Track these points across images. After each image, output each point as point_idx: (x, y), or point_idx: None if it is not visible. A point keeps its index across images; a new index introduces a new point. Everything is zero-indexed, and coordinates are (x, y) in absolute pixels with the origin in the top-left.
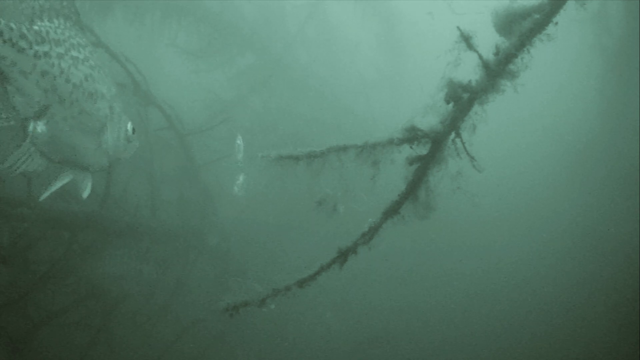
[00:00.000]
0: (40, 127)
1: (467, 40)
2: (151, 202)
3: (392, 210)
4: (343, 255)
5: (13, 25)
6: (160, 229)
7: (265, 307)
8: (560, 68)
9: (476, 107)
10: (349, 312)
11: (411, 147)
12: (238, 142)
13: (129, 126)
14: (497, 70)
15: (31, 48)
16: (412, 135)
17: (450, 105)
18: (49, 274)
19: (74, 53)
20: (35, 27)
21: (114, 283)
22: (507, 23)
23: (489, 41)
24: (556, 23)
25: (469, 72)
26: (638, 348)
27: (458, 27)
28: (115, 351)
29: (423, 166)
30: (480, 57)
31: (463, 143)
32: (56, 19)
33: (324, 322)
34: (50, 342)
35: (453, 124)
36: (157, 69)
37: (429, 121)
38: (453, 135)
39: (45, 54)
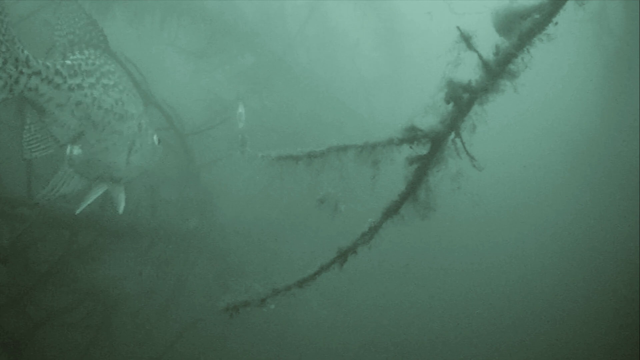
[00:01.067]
0: (76, 150)
1: (467, 40)
2: (151, 202)
3: (392, 210)
4: (343, 255)
5: (49, 64)
6: (160, 228)
7: (265, 307)
8: (561, 68)
9: (476, 107)
10: (347, 311)
11: (411, 147)
12: (240, 110)
13: (155, 138)
14: (497, 70)
15: (65, 82)
16: (412, 135)
17: (450, 105)
18: (49, 274)
19: (104, 81)
20: (68, 62)
21: (114, 283)
22: (507, 23)
23: (489, 41)
24: (556, 23)
25: (469, 72)
26: (638, 348)
27: (458, 27)
28: (115, 351)
29: (423, 166)
30: (480, 57)
31: (463, 143)
32: (86, 50)
33: (320, 319)
34: (50, 342)
35: (453, 124)
36: (157, 69)
37: (429, 121)
38: (453, 135)
39: (78, 85)
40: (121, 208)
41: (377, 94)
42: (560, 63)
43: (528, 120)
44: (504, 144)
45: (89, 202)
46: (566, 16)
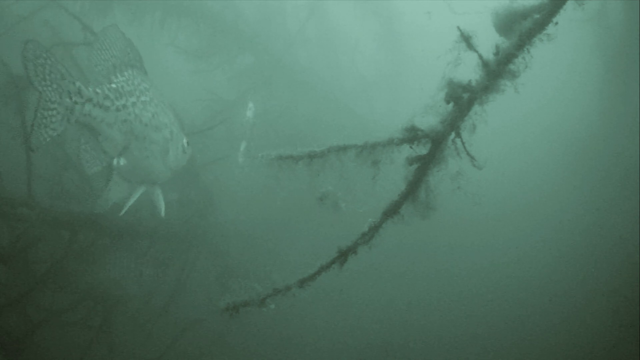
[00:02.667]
0: (122, 161)
1: (467, 40)
2: (151, 202)
3: (392, 210)
4: (343, 255)
5: (98, 90)
6: (160, 228)
7: (265, 307)
8: (561, 68)
9: (476, 107)
10: (348, 313)
11: (411, 147)
12: (249, 114)
13: (184, 141)
14: (497, 70)
15: (113, 104)
16: (412, 135)
17: (450, 105)
18: (49, 274)
19: (143, 98)
20: (113, 85)
21: (114, 283)
22: (507, 23)
23: (489, 41)
24: (556, 23)
25: (469, 72)
26: (638, 348)
27: (458, 27)
28: (115, 351)
29: (423, 166)
30: (480, 57)
31: (463, 143)
32: (126, 71)
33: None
34: (50, 342)
35: (453, 124)
36: (157, 69)
37: (429, 121)
38: (453, 135)
39: (123, 106)
40: (162, 210)
41: (377, 93)
42: (560, 63)
43: (528, 120)
44: (504, 143)
45: (130, 204)
46: (566, 16)
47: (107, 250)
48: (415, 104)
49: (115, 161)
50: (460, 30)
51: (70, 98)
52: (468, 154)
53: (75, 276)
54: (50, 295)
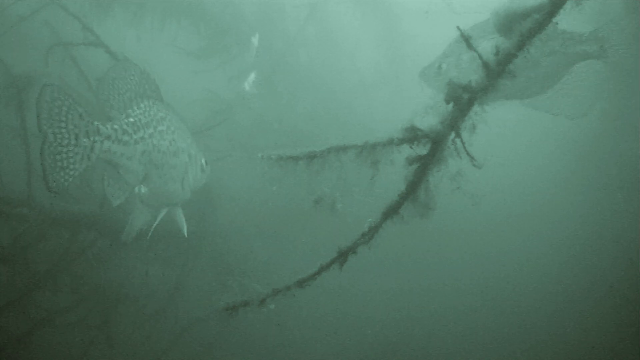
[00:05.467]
0: (144, 189)
1: (467, 40)
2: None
3: (392, 211)
4: (343, 255)
5: (116, 126)
6: (159, 228)
7: (264, 307)
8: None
9: (476, 107)
10: (348, 319)
11: (411, 147)
12: (253, 40)
13: (203, 161)
14: (497, 70)
15: (132, 138)
16: (412, 135)
17: (450, 105)
18: (49, 274)
19: (159, 127)
20: (131, 119)
21: (114, 283)
22: (507, 23)
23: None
24: (556, 23)
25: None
26: (638, 348)
27: (458, 27)
28: (115, 351)
29: (423, 166)
30: (480, 57)
31: (463, 143)
32: (142, 103)
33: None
34: (50, 342)
35: (453, 124)
36: (157, 69)
37: (429, 121)
38: (453, 135)
39: (142, 138)
40: (185, 230)
41: (377, 93)
42: None
43: (527, 120)
44: (504, 144)
45: (155, 225)
46: (566, 16)
47: (106, 250)
48: (415, 104)
49: (137, 190)
50: (460, 30)
51: (89, 137)
52: (468, 154)
53: (75, 276)
54: (50, 295)
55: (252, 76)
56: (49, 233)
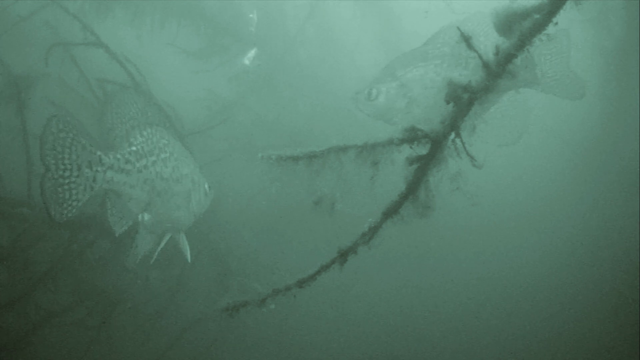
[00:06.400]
0: (147, 217)
1: (467, 40)
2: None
3: (392, 211)
4: (343, 255)
5: (119, 156)
6: None
7: (265, 307)
8: None
9: (476, 107)
10: (348, 319)
11: (411, 147)
12: (252, 15)
13: (206, 186)
14: (497, 71)
15: (134, 167)
16: (412, 135)
17: (450, 105)
18: (49, 274)
19: (162, 155)
20: (134, 148)
21: (114, 283)
22: (507, 23)
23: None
24: (556, 23)
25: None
26: (638, 348)
27: (458, 27)
28: (115, 351)
29: (423, 166)
30: (480, 57)
31: (463, 143)
32: (145, 131)
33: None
34: (50, 342)
35: (453, 124)
36: (157, 69)
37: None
38: (453, 135)
39: (144, 166)
40: (188, 256)
41: None
42: None
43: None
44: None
45: (159, 249)
46: (566, 16)
47: (106, 250)
48: None
49: (139, 217)
50: (460, 30)
51: (91, 168)
52: (468, 154)
53: (75, 276)
54: (50, 295)
55: (252, 52)
56: (49, 233)
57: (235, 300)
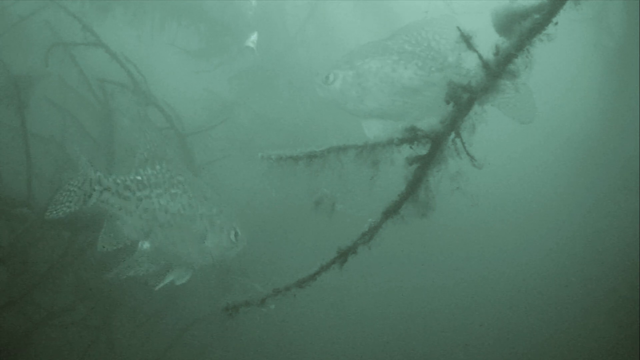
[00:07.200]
0: (146, 245)
1: (467, 40)
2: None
3: (392, 211)
4: (343, 255)
5: (118, 180)
6: None
7: (265, 307)
8: (560, 68)
9: (476, 107)
10: (348, 319)
11: (411, 147)
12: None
13: (232, 233)
14: (497, 71)
15: (134, 195)
16: (412, 135)
17: (450, 105)
18: (49, 274)
19: (173, 190)
20: (138, 177)
21: (114, 283)
22: (507, 23)
23: (489, 41)
24: (556, 23)
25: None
26: (638, 348)
27: (458, 27)
28: (115, 351)
29: (423, 166)
30: (480, 57)
31: (463, 143)
32: (158, 165)
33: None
34: (50, 342)
35: (453, 124)
36: (157, 69)
37: (429, 121)
38: (453, 135)
39: (146, 196)
40: (179, 282)
41: None
42: (560, 63)
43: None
44: (504, 143)
45: (166, 282)
46: (566, 16)
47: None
48: None
49: (140, 244)
50: (460, 30)
51: (90, 185)
52: (468, 154)
53: (75, 276)
54: (50, 295)
55: (254, 35)
56: (49, 233)
57: (235, 300)
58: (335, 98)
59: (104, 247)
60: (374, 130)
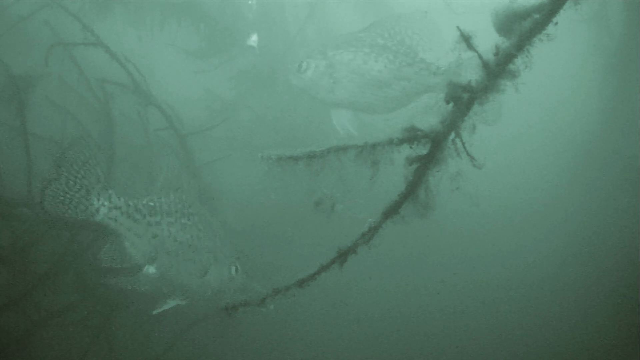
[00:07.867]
0: (151, 269)
1: (467, 40)
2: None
3: (392, 211)
4: (343, 255)
5: (130, 203)
6: None
7: (264, 307)
8: (560, 69)
9: (476, 107)
10: (348, 319)
11: (411, 147)
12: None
13: (233, 269)
14: (497, 71)
15: (144, 219)
16: (412, 135)
17: (450, 105)
18: (49, 274)
19: (184, 220)
20: (151, 203)
21: (114, 283)
22: (507, 23)
23: (489, 41)
24: (556, 23)
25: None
26: (638, 348)
27: (458, 27)
28: (115, 351)
29: (423, 166)
30: (480, 57)
31: (463, 143)
32: (172, 194)
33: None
34: (50, 342)
35: (453, 124)
36: (157, 69)
37: (429, 121)
38: (453, 135)
39: (157, 222)
40: (172, 304)
41: None
42: (560, 63)
43: (528, 120)
44: (504, 144)
45: (166, 308)
46: (566, 16)
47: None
48: (415, 103)
49: (145, 268)
50: (460, 31)
51: (98, 200)
52: (468, 154)
53: (75, 276)
54: (50, 295)
55: (254, 35)
56: (49, 233)
57: (235, 300)
58: (307, 86)
59: (104, 262)
60: (342, 120)
